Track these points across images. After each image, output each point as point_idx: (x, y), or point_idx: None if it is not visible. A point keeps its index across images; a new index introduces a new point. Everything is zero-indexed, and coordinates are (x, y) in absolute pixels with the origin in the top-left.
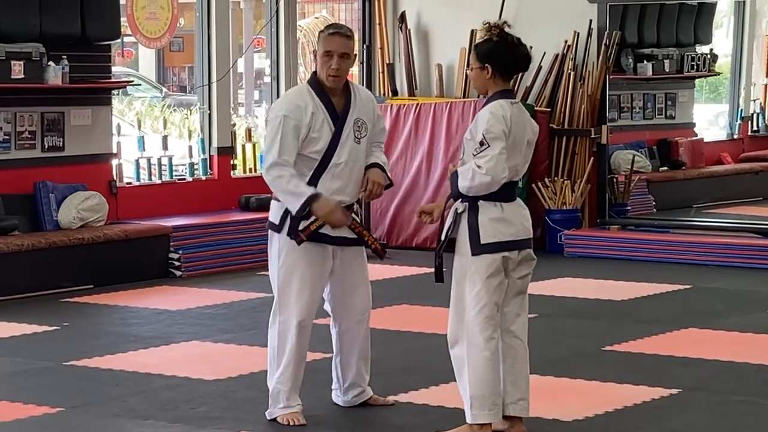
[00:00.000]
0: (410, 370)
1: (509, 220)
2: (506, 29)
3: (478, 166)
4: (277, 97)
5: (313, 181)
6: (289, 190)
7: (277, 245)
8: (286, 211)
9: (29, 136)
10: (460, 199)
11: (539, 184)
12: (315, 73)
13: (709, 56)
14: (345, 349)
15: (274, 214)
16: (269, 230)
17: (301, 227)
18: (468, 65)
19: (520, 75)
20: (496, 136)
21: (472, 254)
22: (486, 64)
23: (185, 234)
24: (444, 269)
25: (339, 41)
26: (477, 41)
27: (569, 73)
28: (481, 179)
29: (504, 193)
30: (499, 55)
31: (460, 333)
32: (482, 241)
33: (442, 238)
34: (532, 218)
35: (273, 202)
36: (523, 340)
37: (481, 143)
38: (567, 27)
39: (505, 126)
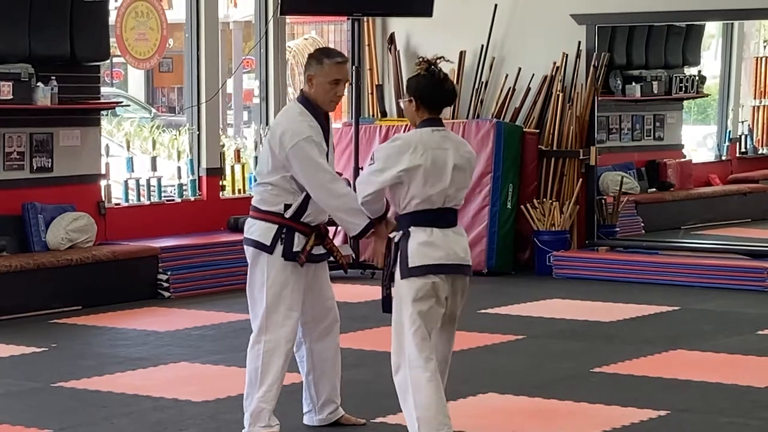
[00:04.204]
0: None
1: (437, 245)
2: (438, 63)
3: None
4: (266, 117)
5: (307, 199)
6: (357, 209)
7: (265, 265)
8: (278, 232)
9: (18, 156)
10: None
11: (528, 205)
12: (303, 93)
13: (697, 78)
14: (317, 365)
15: (262, 234)
16: (254, 249)
17: (297, 248)
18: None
19: (509, 96)
20: (379, 158)
21: (401, 278)
22: (412, 98)
23: (174, 255)
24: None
25: (345, 69)
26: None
27: (558, 95)
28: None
29: (436, 219)
30: (425, 90)
31: (401, 359)
32: (410, 265)
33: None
34: (521, 239)
35: (259, 222)
36: (444, 369)
37: (370, 158)
38: (556, 49)
39: (401, 153)
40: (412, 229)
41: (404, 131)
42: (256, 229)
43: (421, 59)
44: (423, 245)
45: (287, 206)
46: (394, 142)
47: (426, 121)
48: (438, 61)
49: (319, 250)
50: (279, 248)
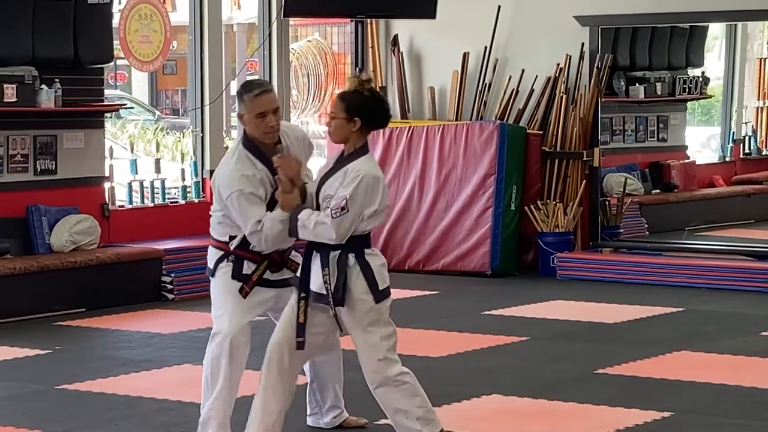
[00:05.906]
0: None
1: (385, 265)
2: (372, 85)
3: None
4: None
5: None
6: (280, 228)
7: (215, 288)
8: (221, 257)
9: (22, 159)
10: (341, 251)
11: (532, 206)
12: (246, 133)
13: (701, 79)
14: (321, 375)
15: (210, 260)
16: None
17: (247, 271)
18: (331, 114)
19: (512, 98)
20: (355, 202)
21: (376, 301)
22: (355, 117)
23: (178, 257)
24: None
25: (267, 99)
26: (344, 91)
27: (561, 96)
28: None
29: (370, 240)
30: (370, 109)
31: (383, 374)
32: (380, 287)
33: (332, 290)
34: (525, 241)
35: (210, 248)
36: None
37: (342, 208)
38: (559, 50)
39: (376, 189)
40: (366, 251)
41: (408, 133)
42: (208, 255)
43: (358, 77)
44: (383, 267)
45: (232, 237)
46: (364, 181)
47: (365, 146)
48: (370, 81)
49: (282, 275)
50: (224, 269)
